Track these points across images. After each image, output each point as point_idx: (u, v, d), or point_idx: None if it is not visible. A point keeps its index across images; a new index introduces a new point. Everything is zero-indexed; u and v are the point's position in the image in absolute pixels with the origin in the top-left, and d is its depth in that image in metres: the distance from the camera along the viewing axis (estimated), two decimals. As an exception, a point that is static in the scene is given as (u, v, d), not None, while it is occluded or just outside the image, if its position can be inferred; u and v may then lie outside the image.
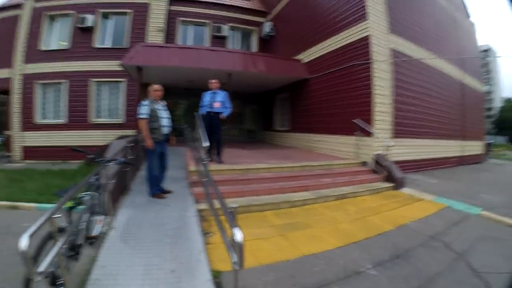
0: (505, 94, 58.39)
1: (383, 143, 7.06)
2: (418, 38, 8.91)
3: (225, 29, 13.36)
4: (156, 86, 4.84)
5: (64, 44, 12.28)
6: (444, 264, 3.05)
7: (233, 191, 5.20)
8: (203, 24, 13.52)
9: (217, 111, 6.28)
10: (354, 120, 7.52)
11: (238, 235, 1.87)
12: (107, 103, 12.37)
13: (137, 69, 9.03)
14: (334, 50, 8.78)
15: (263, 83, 11.69)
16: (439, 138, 9.68)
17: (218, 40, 13.42)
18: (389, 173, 6.72)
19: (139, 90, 9.48)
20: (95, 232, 3.26)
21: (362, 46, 7.67)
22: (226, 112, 6.36)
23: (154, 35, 12.10)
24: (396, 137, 7.71)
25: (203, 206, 4.60)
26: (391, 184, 6.52)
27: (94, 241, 3.08)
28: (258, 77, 10.43)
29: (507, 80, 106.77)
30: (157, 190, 4.93)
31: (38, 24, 12.25)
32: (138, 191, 5.14)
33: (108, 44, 12.36)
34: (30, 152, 11.83)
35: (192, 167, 5.65)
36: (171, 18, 12.84)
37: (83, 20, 11.91)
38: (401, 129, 7.93)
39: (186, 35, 13.44)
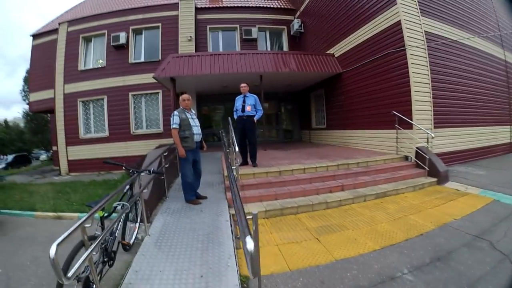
0: None
1: (425, 135, 6.63)
2: (453, 17, 8.24)
3: (254, 31, 13.40)
4: (185, 96, 5.00)
5: (101, 63, 13.14)
6: (488, 267, 2.80)
7: (267, 194, 5.24)
8: (231, 29, 13.71)
9: (249, 114, 6.35)
10: (393, 112, 7.16)
11: (250, 244, 1.85)
12: (146, 114, 12.96)
13: (170, 80, 9.39)
14: (365, 40, 8.45)
15: (297, 82, 11.57)
16: (485, 125, 8.82)
17: (248, 43, 13.50)
18: (432, 167, 6.29)
19: (173, 100, 9.77)
20: (131, 238, 3.62)
21: (394, 33, 7.29)
22: (257, 115, 6.41)
23: (185, 45, 12.44)
24: (437, 127, 7.19)
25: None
26: (435, 179, 6.10)
27: (128, 247, 3.31)
28: (291, 76, 10.32)
29: None
30: (191, 196, 5.07)
31: (74, 46, 13.20)
32: (175, 198, 5.35)
33: (142, 58, 12.95)
34: (76, 165, 12.81)
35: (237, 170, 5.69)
36: (200, 27, 13.21)
37: (116, 38, 12.61)
38: (443, 118, 7.37)
39: (216, 41, 13.68)
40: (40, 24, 14.49)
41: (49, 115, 14.21)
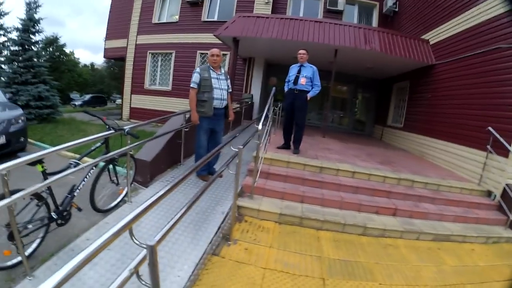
0: None
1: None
2: None
3: (341, 3, 11.55)
4: (214, 50, 4.11)
5: (175, 18, 13.04)
6: None
7: (293, 192, 4.09)
8: (316, -3, 12.07)
9: (302, 88, 5.12)
10: (488, 129, 5.12)
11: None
12: (210, 75, 12.70)
13: (233, 41, 8.57)
14: (469, 28, 6.32)
15: (379, 67, 9.63)
16: None
17: (333, 15, 11.70)
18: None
19: (232, 62, 9.11)
20: (108, 202, 3.47)
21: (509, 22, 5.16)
22: (312, 91, 5.14)
23: (261, 7, 11.42)
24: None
25: (246, 202, 3.72)
26: (519, 234, 4.17)
27: (79, 210, 2.92)
28: (372, 57, 8.52)
29: None
30: (203, 171, 4.36)
31: None
32: (188, 167, 4.55)
33: (215, 17, 12.37)
34: (136, 113, 13.43)
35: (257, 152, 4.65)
36: (281, -10, 11.89)
37: None
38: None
39: (297, 9, 12.23)
40: None
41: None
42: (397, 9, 10.83)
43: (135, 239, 1.31)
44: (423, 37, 8.40)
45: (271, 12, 11.36)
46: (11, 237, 2.11)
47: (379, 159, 6.05)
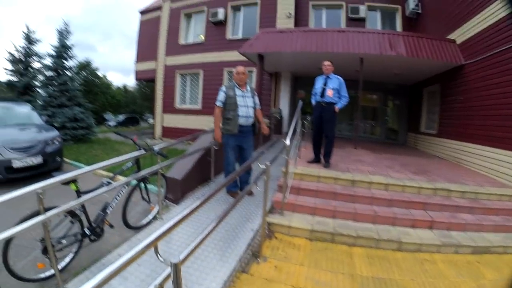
0: None
1: None
2: None
3: (362, 10, 11.35)
4: (239, 68, 4.13)
5: (201, 38, 13.53)
6: None
7: (324, 208, 3.94)
8: (337, 7, 11.92)
9: (329, 101, 4.99)
10: None
11: None
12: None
13: (258, 57, 8.66)
14: (497, 21, 5.89)
15: (407, 72, 9.27)
16: None
17: (355, 23, 11.50)
18: None
19: (259, 78, 9.25)
20: (140, 219, 3.62)
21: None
22: (340, 103, 4.98)
23: (284, 22, 11.50)
24: None
25: (276, 218, 3.63)
26: None
27: (111, 227, 3.03)
28: (398, 62, 8.23)
29: None
30: (232, 188, 4.34)
31: (176, 22, 14.09)
32: (217, 184, 4.57)
33: (240, 34, 12.65)
34: (168, 132, 13.96)
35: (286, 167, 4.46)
36: (301, 3, 11.87)
37: (214, 14, 12.62)
38: None
39: (319, 20, 12.17)
40: (148, 1, 16.89)
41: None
42: (420, 11, 10.45)
43: (160, 256, 1.31)
44: (449, 37, 8.03)
45: (294, 25, 11.41)
46: (45, 251, 2.21)
47: (413, 169, 5.72)
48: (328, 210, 3.90)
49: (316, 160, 5.35)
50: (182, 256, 1.31)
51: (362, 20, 11.54)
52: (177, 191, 4.23)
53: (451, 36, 7.94)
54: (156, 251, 1.33)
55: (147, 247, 1.21)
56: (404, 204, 4.12)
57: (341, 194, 4.24)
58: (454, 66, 7.63)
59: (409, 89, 11.57)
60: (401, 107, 12.29)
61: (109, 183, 2.79)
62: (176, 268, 1.20)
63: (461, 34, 7.50)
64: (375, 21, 11.93)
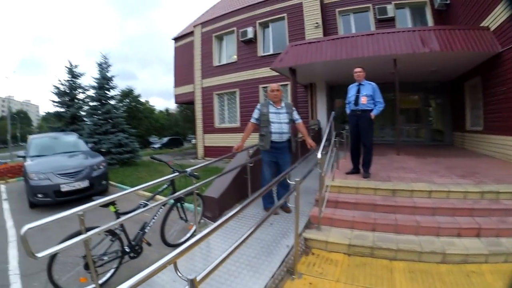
0: None
1: None
2: None
3: (390, 9, 10.95)
4: (273, 85, 4.20)
5: (234, 58, 13.97)
6: None
7: (363, 221, 3.75)
8: (364, 10, 11.65)
9: (363, 108, 4.83)
10: None
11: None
12: (275, 106, 13.12)
13: (290, 71, 8.74)
14: None
15: (443, 67, 8.69)
16: None
17: (385, 23, 11.09)
18: None
19: (293, 92, 9.34)
20: (178, 237, 3.82)
21: None
22: (376, 109, 4.81)
23: (312, 32, 11.51)
24: None
25: (313, 234, 3.56)
26: None
27: (149, 245, 3.19)
28: (433, 59, 7.76)
29: None
30: (269, 204, 4.34)
31: (208, 45, 14.80)
32: (257, 202, 4.57)
33: (271, 50, 12.88)
34: (210, 151, 14.43)
35: (320, 181, 4.29)
36: (328, 11, 11.85)
37: (244, 33, 13.12)
38: None
39: (347, 25, 11.99)
40: (181, 28, 17.97)
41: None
42: (448, 1, 9.90)
43: (179, 272, 1.36)
44: (482, 24, 7.47)
45: (323, 34, 11.33)
46: (87, 266, 2.43)
47: (459, 172, 5.25)
48: (368, 223, 3.72)
49: (355, 171, 5.13)
50: (200, 276, 1.37)
51: (391, 20, 11.13)
52: (214, 209, 4.35)
53: (484, 23, 7.40)
54: (176, 268, 1.38)
55: (166, 264, 1.28)
56: (449, 211, 3.79)
57: (381, 205, 4.01)
58: (491, 55, 7.04)
59: (450, 85, 10.84)
60: (444, 106, 11.47)
61: (146, 204, 2.98)
62: (192, 283, 1.25)
63: (494, 20, 6.96)
64: (405, 19, 11.44)
